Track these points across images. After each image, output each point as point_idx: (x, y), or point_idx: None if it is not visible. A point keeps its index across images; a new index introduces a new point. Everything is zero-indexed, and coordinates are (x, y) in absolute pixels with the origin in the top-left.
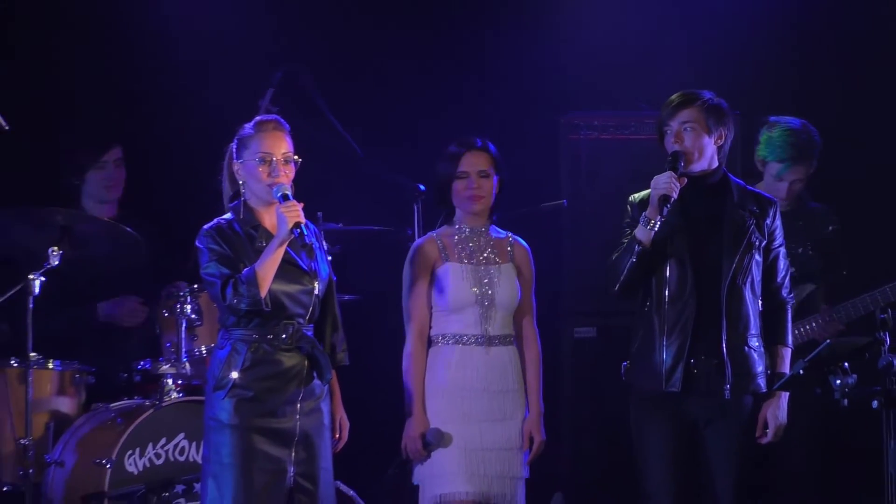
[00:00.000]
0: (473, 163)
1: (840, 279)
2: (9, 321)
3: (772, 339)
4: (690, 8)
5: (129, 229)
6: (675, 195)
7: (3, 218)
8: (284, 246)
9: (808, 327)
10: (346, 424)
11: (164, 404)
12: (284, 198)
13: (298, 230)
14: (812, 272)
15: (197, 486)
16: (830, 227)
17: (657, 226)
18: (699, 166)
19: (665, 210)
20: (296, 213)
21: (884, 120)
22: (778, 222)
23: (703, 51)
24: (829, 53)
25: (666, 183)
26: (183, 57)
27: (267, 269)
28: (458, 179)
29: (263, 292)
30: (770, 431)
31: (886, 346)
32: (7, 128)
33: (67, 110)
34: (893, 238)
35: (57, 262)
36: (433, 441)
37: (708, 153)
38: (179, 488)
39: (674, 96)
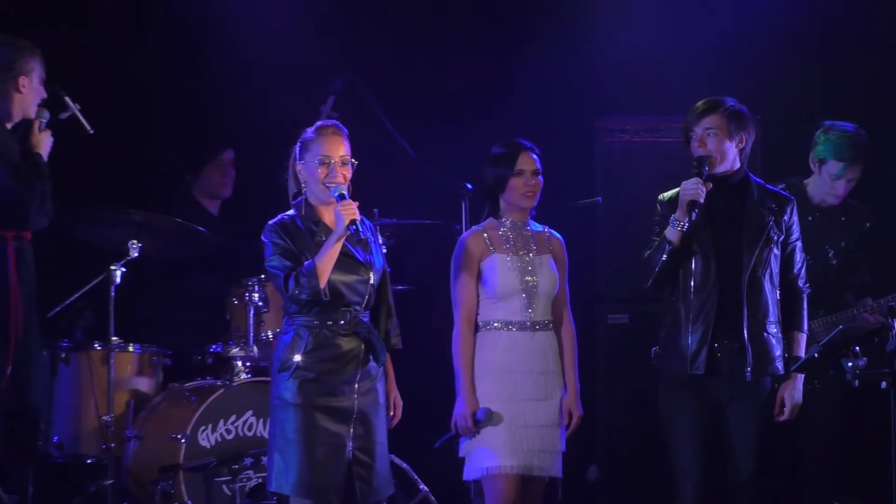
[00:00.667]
0: (528, 162)
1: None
2: (92, 308)
3: (788, 325)
4: (715, 19)
5: (200, 228)
6: (702, 199)
7: (87, 212)
8: (341, 241)
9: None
10: (400, 403)
11: (234, 384)
12: (341, 197)
13: (354, 226)
14: (858, 263)
15: (264, 459)
16: (868, 224)
17: (686, 227)
18: (722, 168)
19: (694, 214)
20: (351, 211)
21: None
22: (795, 218)
23: (726, 58)
24: (843, 60)
25: (693, 188)
26: (256, 67)
27: (326, 263)
28: (514, 177)
29: (322, 283)
30: (787, 410)
31: (894, 332)
32: (91, 131)
33: (158, 112)
34: None
35: (136, 255)
36: (483, 419)
37: (730, 156)
38: (248, 461)
39: (699, 103)
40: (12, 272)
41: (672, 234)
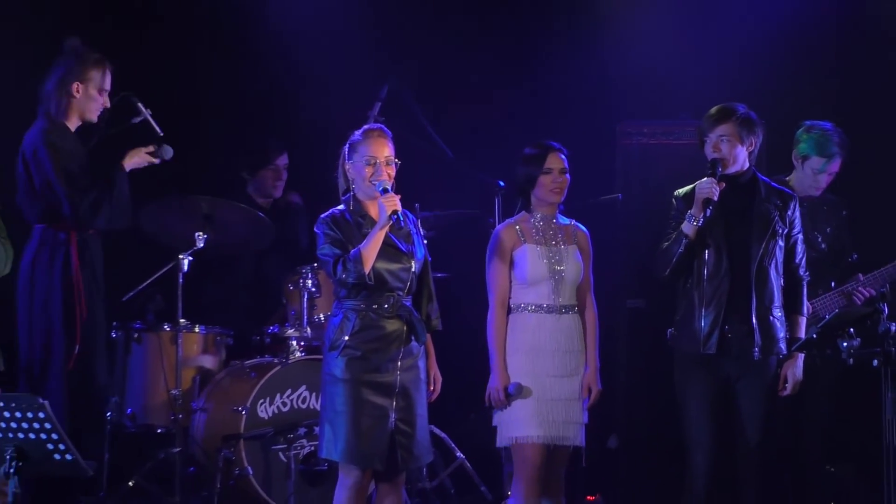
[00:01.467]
0: (556, 161)
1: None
2: (162, 293)
3: (791, 309)
4: (722, 34)
5: (261, 214)
6: (715, 198)
7: (157, 207)
8: (385, 230)
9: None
10: (439, 379)
11: (289, 361)
12: (385, 191)
13: (395, 216)
14: (844, 245)
15: (316, 429)
16: (844, 212)
17: (701, 222)
18: (733, 169)
19: (708, 211)
20: (394, 202)
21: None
22: (797, 213)
23: (734, 68)
24: (840, 66)
25: (708, 188)
26: (310, 74)
27: (370, 250)
28: (543, 175)
29: (367, 269)
30: (789, 386)
31: (885, 315)
32: (161, 134)
33: (217, 115)
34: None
35: (201, 245)
36: (513, 392)
37: (741, 158)
38: (302, 431)
39: (713, 110)
40: (75, 262)
41: (688, 228)
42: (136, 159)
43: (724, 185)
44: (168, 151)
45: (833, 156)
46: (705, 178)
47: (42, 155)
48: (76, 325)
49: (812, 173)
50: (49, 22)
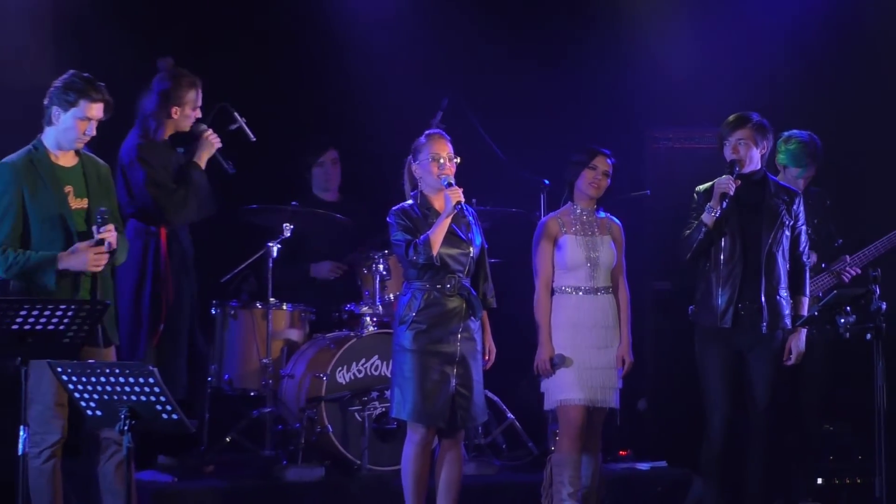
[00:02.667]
0: (602, 163)
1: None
2: (255, 275)
3: (795, 290)
4: (740, 48)
5: (338, 216)
6: (731, 193)
7: (257, 207)
8: (450, 218)
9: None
10: (493, 350)
11: (364, 335)
12: (449, 184)
13: (459, 206)
14: (830, 232)
15: (387, 392)
16: (828, 202)
17: (718, 214)
18: (748, 169)
19: (725, 203)
20: (458, 194)
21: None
22: (801, 208)
23: (750, 80)
24: (834, 83)
25: (726, 184)
26: (385, 88)
27: (437, 235)
28: (587, 170)
29: (435, 251)
30: (793, 356)
31: (877, 295)
32: (254, 139)
33: (294, 119)
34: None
35: (288, 234)
36: (558, 363)
37: (755, 160)
38: (374, 394)
39: (731, 117)
40: (164, 251)
41: (707, 218)
42: (206, 154)
43: (739, 182)
44: (230, 169)
45: (807, 166)
46: (724, 176)
47: (135, 167)
48: (161, 307)
49: (791, 178)
50: (142, 40)
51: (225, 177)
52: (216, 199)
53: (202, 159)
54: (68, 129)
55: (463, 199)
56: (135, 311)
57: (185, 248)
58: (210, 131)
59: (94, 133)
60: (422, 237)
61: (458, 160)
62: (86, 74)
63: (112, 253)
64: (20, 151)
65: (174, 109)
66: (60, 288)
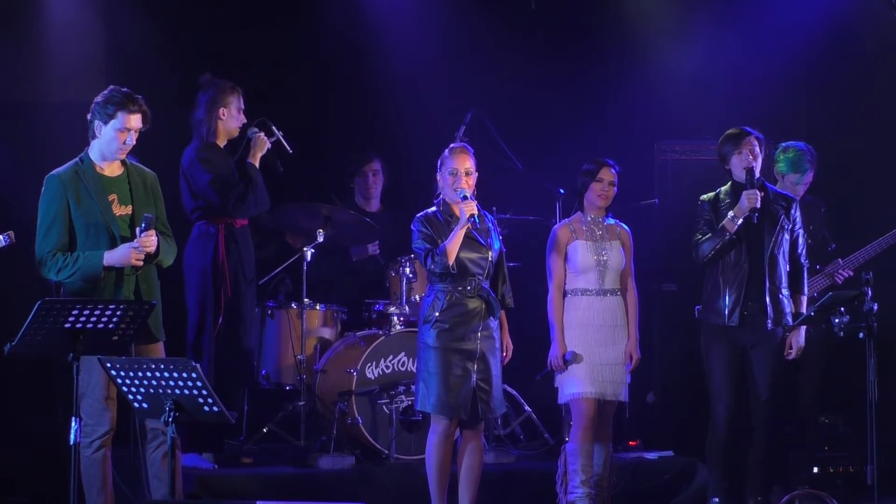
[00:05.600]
0: (607, 174)
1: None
2: (291, 278)
3: (794, 290)
4: (739, 66)
5: (367, 220)
6: (758, 205)
7: (289, 209)
8: (464, 229)
9: (830, 271)
10: (511, 347)
11: (391, 333)
12: (465, 198)
13: (472, 219)
14: (825, 238)
15: (412, 386)
16: (822, 210)
17: (740, 222)
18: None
19: (755, 217)
20: (471, 207)
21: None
22: (799, 213)
23: (747, 95)
24: (828, 98)
25: (755, 198)
26: (423, 101)
27: (453, 246)
28: (595, 183)
29: (450, 261)
30: (793, 352)
31: (869, 297)
32: (291, 151)
33: (337, 131)
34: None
35: (322, 240)
36: (570, 359)
37: (758, 168)
38: (401, 388)
39: (735, 130)
40: (222, 250)
41: (730, 225)
42: (259, 153)
43: (762, 193)
44: (279, 166)
45: (806, 171)
46: (750, 190)
47: (196, 167)
48: (221, 302)
49: (791, 186)
50: (182, 60)
51: (274, 175)
52: (270, 197)
53: (256, 157)
54: (110, 141)
55: (476, 212)
56: (199, 306)
57: (244, 249)
58: (261, 133)
59: (133, 143)
60: (439, 247)
61: (476, 174)
62: (124, 89)
63: (153, 254)
64: (67, 164)
65: (221, 111)
66: (106, 285)
